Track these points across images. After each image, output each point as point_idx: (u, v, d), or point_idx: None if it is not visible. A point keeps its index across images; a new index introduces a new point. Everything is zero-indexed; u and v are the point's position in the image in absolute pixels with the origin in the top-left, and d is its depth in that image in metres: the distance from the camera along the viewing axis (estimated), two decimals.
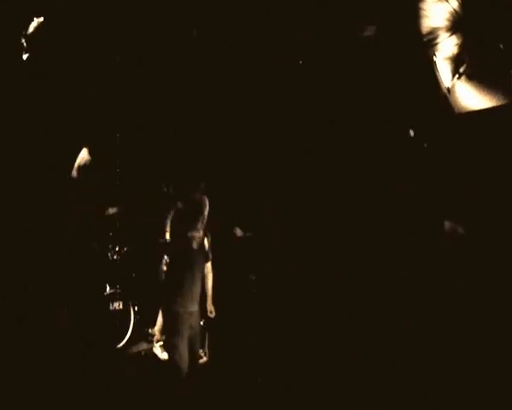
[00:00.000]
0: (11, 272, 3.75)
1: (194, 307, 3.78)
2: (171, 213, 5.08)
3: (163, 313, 4.24)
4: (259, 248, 5.47)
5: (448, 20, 4.46)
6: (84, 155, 4.51)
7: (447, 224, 4.21)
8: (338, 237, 5.07)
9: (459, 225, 4.20)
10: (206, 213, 3.90)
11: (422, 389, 3.71)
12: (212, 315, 4.34)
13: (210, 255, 4.34)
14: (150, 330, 5.16)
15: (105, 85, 4.95)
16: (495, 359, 3.71)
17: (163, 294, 4.13)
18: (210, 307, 4.36)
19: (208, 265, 4.40)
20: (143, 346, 5.09)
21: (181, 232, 3.97)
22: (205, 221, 3.91)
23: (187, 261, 3.80)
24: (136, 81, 5.32)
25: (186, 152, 5.84)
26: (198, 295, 3.87)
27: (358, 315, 4.63)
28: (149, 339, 5.13)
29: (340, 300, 4.85)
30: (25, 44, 4.59)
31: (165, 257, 5.07)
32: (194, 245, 3.81)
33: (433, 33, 4.60)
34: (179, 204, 5.09)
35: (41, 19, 4.58)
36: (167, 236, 5.00)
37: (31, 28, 4.65)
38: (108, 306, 4.95)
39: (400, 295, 4.48)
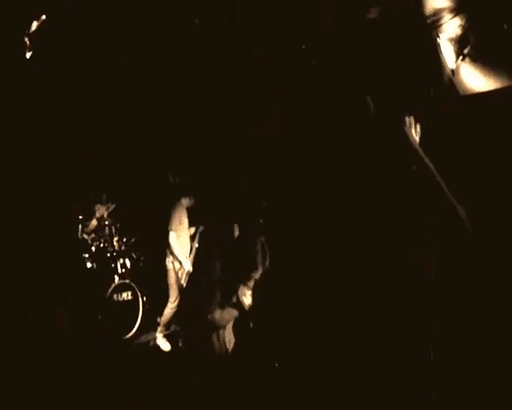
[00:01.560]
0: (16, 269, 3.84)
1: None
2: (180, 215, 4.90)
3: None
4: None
5: (452, 0, 4.36)
6: None
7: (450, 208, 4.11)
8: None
9: (461, 210, 4.10)
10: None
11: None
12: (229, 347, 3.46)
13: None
14: (159, 320, 5.26)
15: (109, 80, 4.99)
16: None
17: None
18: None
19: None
20: (152, 336, 5.20)
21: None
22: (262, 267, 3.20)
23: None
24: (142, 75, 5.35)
25: (194, 142, 5.83)
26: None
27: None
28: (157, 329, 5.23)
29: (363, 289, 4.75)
30: (28, 43, 4.68)
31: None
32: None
33: (436, 15, 4.48)
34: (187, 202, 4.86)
35: (43, 17, 4.65)
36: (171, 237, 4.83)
37: (34, 26, 4.74)
38: (117, 296, 5.07)
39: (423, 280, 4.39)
